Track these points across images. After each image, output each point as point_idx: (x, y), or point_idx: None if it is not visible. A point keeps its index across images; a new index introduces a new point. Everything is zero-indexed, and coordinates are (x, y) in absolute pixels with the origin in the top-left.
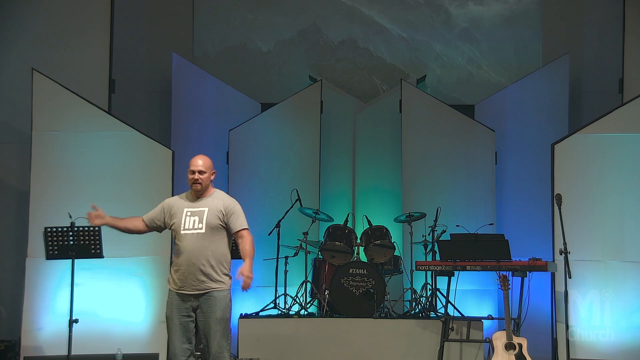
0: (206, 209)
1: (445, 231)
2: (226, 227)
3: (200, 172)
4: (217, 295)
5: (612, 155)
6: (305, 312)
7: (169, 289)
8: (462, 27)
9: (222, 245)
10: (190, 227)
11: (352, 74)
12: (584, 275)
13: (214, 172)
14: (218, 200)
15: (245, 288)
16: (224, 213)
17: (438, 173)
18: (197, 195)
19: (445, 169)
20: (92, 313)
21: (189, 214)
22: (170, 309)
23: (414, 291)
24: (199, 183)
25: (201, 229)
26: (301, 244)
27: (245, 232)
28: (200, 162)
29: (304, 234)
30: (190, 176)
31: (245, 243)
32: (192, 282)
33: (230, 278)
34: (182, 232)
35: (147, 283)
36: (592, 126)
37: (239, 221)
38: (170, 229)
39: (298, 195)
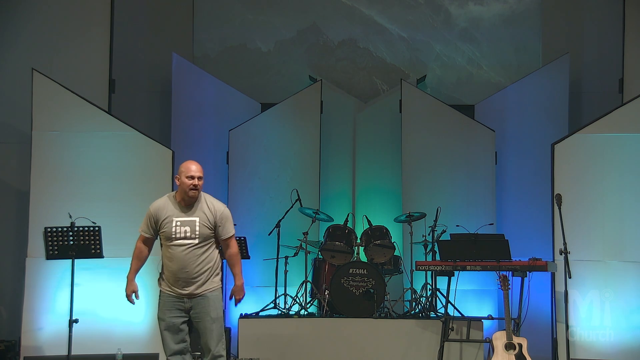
0: (197, 219)
1: (445, 231)
2: (214, 232)
3: (199, 179)
4: (209, 295)
5: (612, 155)
6: (305, 312)
7: (160, 291)
8: (462, 27)
9: (213, 252)
10: (182, 236)
11: (352, 74)
12: (584, 275)
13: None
14: (207, 208)
15: (237, 303)
16: (214, 219)
17: (438, 173)
18: (189, 201)
19: (445, 169)
20: (92, 313)
21: (179, 223)
22: (162, 311)
23: (414, 291)
24: (197, 190)
25: (194, 239)
26: (301, 244)
27: (232, 240)
28: (198, 168)
29: (304, 234)
30: (190, 182)
31: (233, 252)
32: (186, 288)
33: (221, 279)
34: (174, 241)
35: (147, 283)
36: (592, 126)
37: (227, 228)
38: (158, 235)
39: (298, 195)
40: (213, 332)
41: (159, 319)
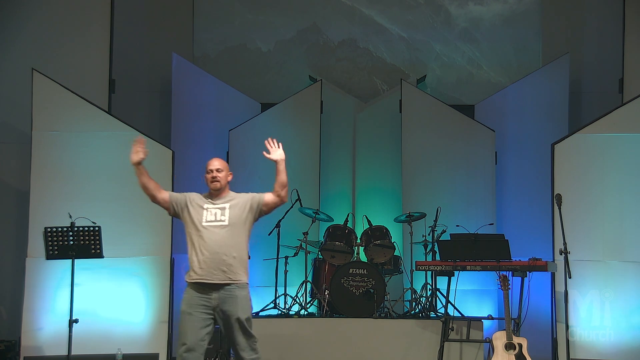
0: (227, 205)
1: (445, 231)
2: (254, 212)
3: (218, 170)
4: (238, 293)
5: (612, 155)
6: (305, 312)
7: (187, 283)
8: (462, 27)
9: (242, 239)
10: (212, 219)
11: (352, 74)
12: (584, 275)
13: (230, 174)
14: (237, 198)
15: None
16: (245, 199)
17: (438, 173)
18: (217, 194)
19: (445, 169)
20: (92, 313)
21: (210, 208)
22: (187, 304)
23: (414, 291)
24: (218, 181)
25: (224, 221)
26: (301, 244)
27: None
28: (216, 162)
29: (304, 234)
30: (208, 175)
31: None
32: (214, 271)
33: (248, 273)
34: (203, 223)
35: (147, 283)
36: (592, 126)
37: (258, 194)
38: (183, 219)
39: (298, 195)
40: (240, 331)
41: (182, 312)
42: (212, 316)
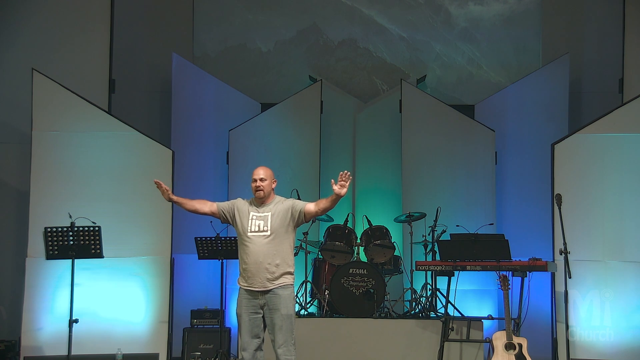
0: (269, 214)
1: (445, 231)
2: (295, 220)
3: (262, 180)
4: (281, 292)
5: (612, 155)
6: (305, 312)
7: (239, 287)
8: (462, 27)
9: (285, 246)
10: (256, 230)
11: (352, 74)
12: (584, 275)
13: (274, 181)
14: (280, 204)
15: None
16: (286, 207)
17: (438, 173)
18: (260, 201)
19: (445, 169)
20: (92, 313)
21: (254, 217)
22: (240, 307)
23: (414, 291)
24: (261, 190)
25: (266, 231)
26: (301, 244)
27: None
28: (261, 172)
29: (304, 234)
30: (253, 184)
31: (317, 203)
32: (259, 279)
33: (293, 276)
34: (249, 234)
35: (147, 283)
36: (592, 126)
37: (300, 202)
38: (234, 226)
39: (298, 195)
40: (282, 327)
41: (237, 314)
42: (261, 314)
